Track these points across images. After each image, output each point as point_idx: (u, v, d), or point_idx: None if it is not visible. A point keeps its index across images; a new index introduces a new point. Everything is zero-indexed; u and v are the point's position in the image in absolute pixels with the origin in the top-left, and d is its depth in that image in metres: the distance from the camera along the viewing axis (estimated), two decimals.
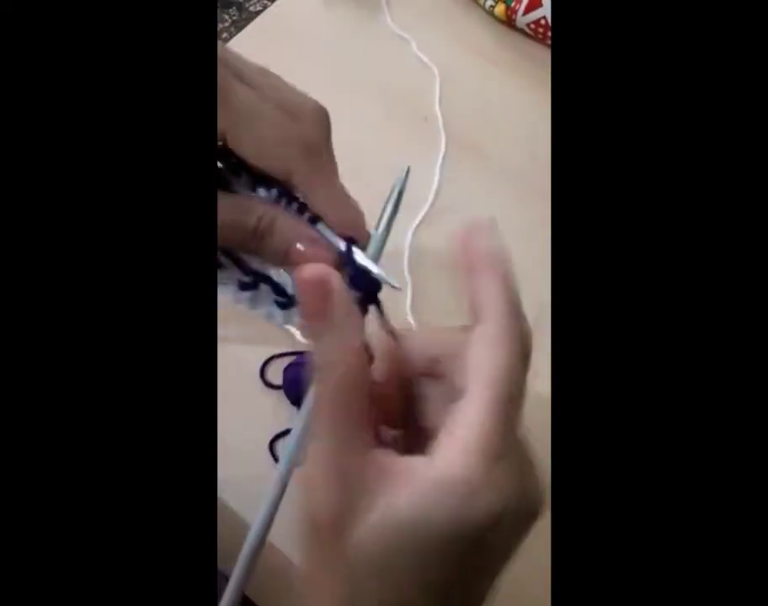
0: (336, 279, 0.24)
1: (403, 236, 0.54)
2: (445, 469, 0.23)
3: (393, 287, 0.27)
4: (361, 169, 0.37)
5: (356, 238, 0.28)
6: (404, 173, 0.28)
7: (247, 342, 0.49)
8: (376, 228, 0.28)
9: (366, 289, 0.27)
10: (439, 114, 0.62)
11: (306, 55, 0.64)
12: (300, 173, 0.27)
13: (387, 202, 0.28)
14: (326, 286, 0.24)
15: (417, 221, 0.55)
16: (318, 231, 0.28)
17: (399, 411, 0.27)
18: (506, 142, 0.60)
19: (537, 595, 0.36)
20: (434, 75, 0.64)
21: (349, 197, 0.28)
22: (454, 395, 0.25)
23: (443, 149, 0.60)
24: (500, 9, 0.69)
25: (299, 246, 0.27)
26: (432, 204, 0.57)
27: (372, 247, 0.28)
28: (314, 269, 0.24)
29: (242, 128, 0.27)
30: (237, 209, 0.27)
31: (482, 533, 0.22)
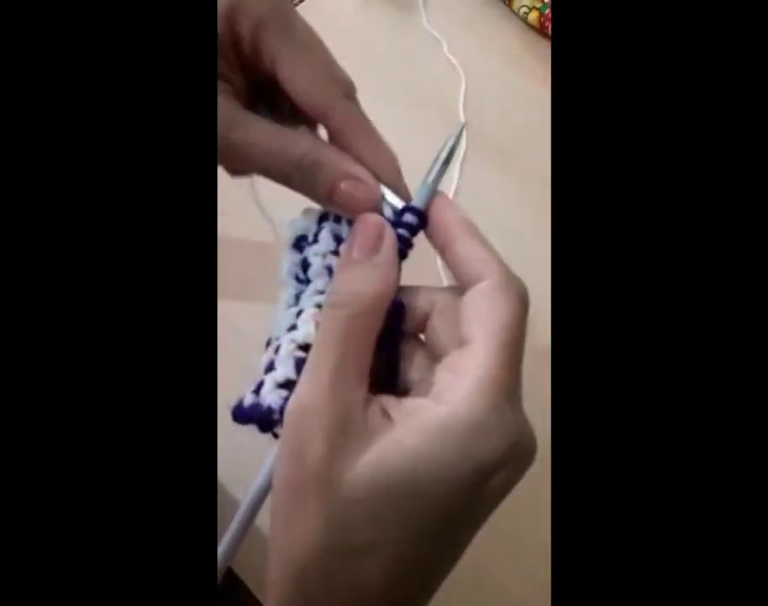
0: (391, 232, 0.26)
1: (434, 257, 0.55)
2: (452, 409, 0.23)
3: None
4: None
5: (394, 182, 0.28)
6: (459, 128, 0.29)
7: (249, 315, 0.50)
8: (425, 179, 0.28)
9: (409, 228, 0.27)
10: (462, 115, 0.63)
11: (338, 46, 0.65)
12: (341, 112, 0.27)
13: (440, 152, 0.28)
14: (383, 230, 0.26)
15: None
16: (360, 167, 0.27)
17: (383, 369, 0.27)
18: (528, 147, 0.61)
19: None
20: (460, 77, 0.65)
21: (385, 142, 0.28)
22: (438, 353, 0.25)
23: (463, 149, 0.60)
24: (533, 16, 0.69)
25: (343, 185, 0.27)
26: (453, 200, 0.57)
27: (422, 193, 0.27)
28: (376, 217, 0.26)
29: (298, 55, 0.27)
30: (285, 139, 0.27)
31: (486, 473, 0.23)
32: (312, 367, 0.24)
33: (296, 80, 0.27)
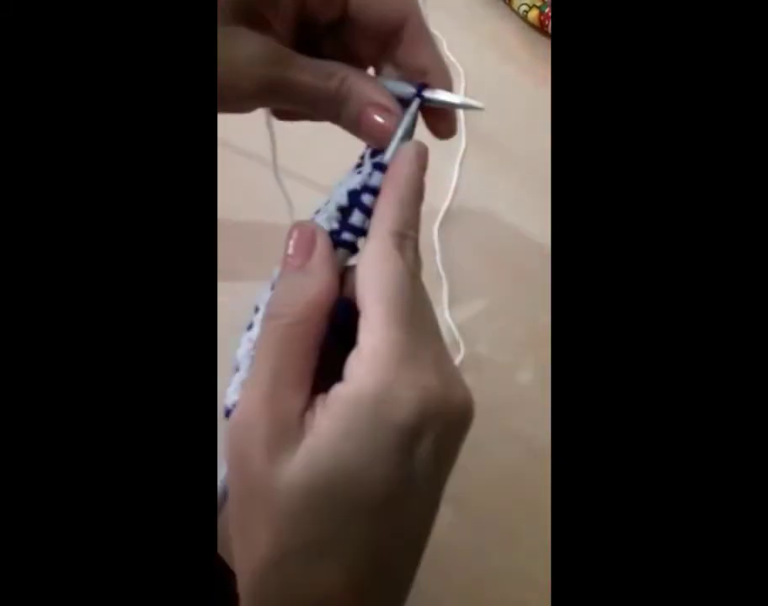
0: (323, 236, 0.26)
1: (430, 235, 0.55)
2: (356, 385, 0.23)
3: (478, 108, 0.29)
4: None
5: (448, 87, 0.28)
6: (415, 106, 0.29)
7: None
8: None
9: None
10: (461, 114, 0.62)
11: None
12: (415, 19, 0.28)
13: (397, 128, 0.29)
14: (314, 237, 0.26)
15: (439, 218, 0.56)
16: (389, 91, 0.28)
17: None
18: (528, 145, 0.60)
19: None
20: (460, 75, 0.65)
21: (443, 58, 0.29)
22: None
23: (463, 146, 0.60)
24: (533, 15, 0.69)
25: (369, 112, 0.27)
26: (451, 201, 0.57)
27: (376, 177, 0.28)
28: (307, 223, 0.26)
29: None
30: (321, 72, 0.28)
31: (407, 438, 0.22)
32: (249, 380, 0.24)
33: (371, 2, 0.27)
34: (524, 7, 0.70)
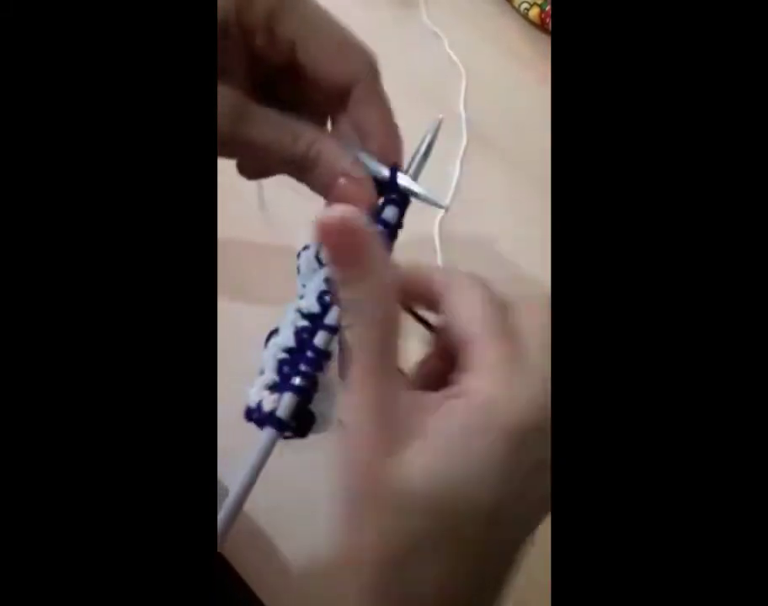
0: (364, 223, 0.23)
1: (431, 233, 0.55)
2: (472, 393, 0.23)
3: (441, 207, 0.29)
4: None
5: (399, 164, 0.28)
6: (437, 123, 0.30)
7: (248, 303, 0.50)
8: (407, 169, 0.29)
9: (400, 208, 0.28)
10: (462, 112, 0.62)
11: None
12: (363, 83, 0.27)
13: (419, 146, 0.29)
14: (356, 231, 0.23)
15: (440, 215, 0.56)
16: (361, 162, 0.28)
17: None
18: (529, 142, 0.60)
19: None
20: (461, 73, 0.65)
21: (396, 126, 0.29)
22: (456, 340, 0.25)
23: (464, 144, 0.60)
24: (534, 13, 0.69)
25: (341, 181, 0.27)
26: (452, 198, 0.58)
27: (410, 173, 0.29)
28: (338, 213, 0.23)
29: (318, 34, 0.27)
30: (287, 133, 0.27)
31: (517, 438, 0.23)
32: (352, 377, 0.24)
33: (319, 58, 0.27)
34: (525, 5, 0.70)
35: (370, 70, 0.27)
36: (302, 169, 0.28)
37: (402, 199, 0.28)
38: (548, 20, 0.68)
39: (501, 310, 0.25)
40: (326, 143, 0.27)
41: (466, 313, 0.25)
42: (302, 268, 0.29)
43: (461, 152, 0.60)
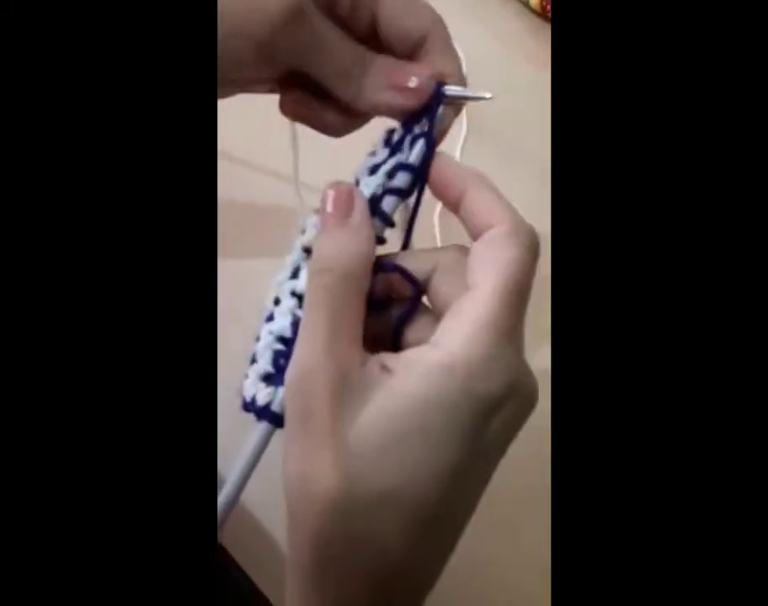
0: (360, 195, 0.26)
1: (431, 223, 0.55)
2: (450, 351, 0.23)
3: (486, 98, 0.31)
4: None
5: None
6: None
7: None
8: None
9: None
10: None
11: None
12: (434, 35, 0.29)
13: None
14: (352, 195, 0.26)
15: (440, 206, 0.56)
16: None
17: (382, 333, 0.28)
18: (529, 130, 0.60)
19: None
20: (460, 60, 0.64)
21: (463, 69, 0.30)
22: (442, 310, 0.25)
23: (464, 133, 0.60)
24: (535, 0, 0.69)
25: (394, 84, 0.28)
26: None
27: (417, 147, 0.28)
28: (344, 183, 0.27)
29: None
30: (343, 37, 0.28)
31: (488, 411, 0.23)
32: (306, 333, 0.24)
33: (397, 13, 0.28)
34: None
35: (439, 22, 0.29)
36: (353, 78, 0.28)
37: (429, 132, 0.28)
38: (549, 8, 0.68)
39: (525, 276, 0.25)
40: (381, 56, 0.28)
41: (488, 258, 0.25)
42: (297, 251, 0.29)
43: (460, 141, 0.60)
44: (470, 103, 0.64)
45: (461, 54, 0.66)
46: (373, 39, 0.29)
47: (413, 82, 0.28)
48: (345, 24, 0.29)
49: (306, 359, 0.24)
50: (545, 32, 0.68)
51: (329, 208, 0.26)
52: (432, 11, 0.30)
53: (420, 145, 0.27)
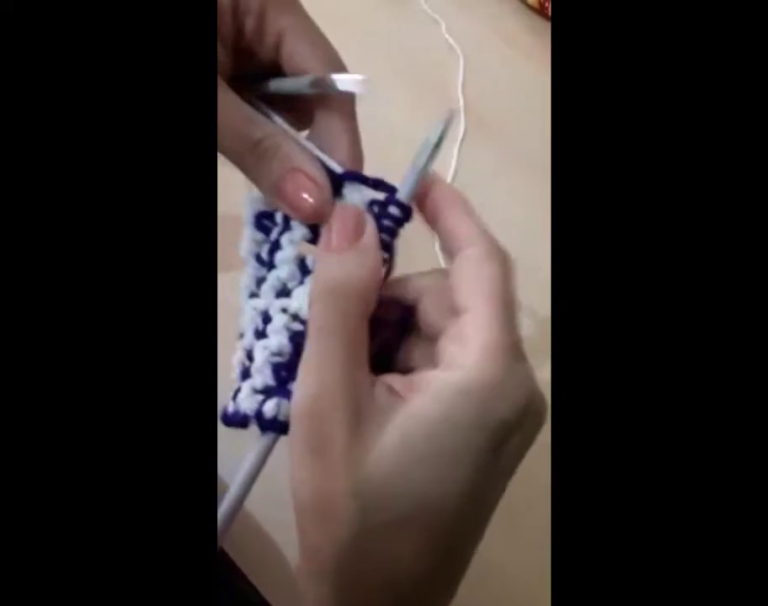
0: (371, 219, 0.26)
1: (433, 252, 0.55)
2: (464, 374, 0.23)
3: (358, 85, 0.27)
4: (377, 143, 0.37)
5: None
6: (448, 116, 0.29)
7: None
8: (413, 167, 0.28)
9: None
10: (461, 97, 0.62)
11: (336, 27, 0.65)
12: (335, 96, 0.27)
13: (428, 138, 0.28)
14: (363, 217, 0.26)
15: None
16: (322, 163, 0.27)
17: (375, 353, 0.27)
18: (528, 129, 0.60)
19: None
20: (459, 58, 0.64)
21: (358, 136, 0.28)
22: (434, 331, 0.25)
23: (462, 130, 0.60)
24: None
25: (292, 181, 0.26)
26: (450, 184, 0.57)
27: (408, 184, 0.27)
28: (355, 206, 0.26)
29: (302, 30, 0.27)
30: (248, 120, 0.26)
31: (505, 433, 0.23)
32: (321, 357, 0.24)
33: (299, 52, 0.27)
34: None
35: (336, 62, 0.27)
36: (253, 161, 0.27)
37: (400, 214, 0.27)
38: (548, 5, 0.68)
39: (509, 291, 0.25)
40: (283, 139, 0.27)
41: (474, 280, 0.25)
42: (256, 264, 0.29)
43: (459, 138, 0.60)
44: (470, 103, 0.64)
45: (458, 52, 0.66)
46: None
47: (305, 199, 0.26)
48: (251, 52, 0.28)
49: (322, 384, 0.23)
50: (543, 29, 0.68)
51: (337, 227, 0.25)
52: (331, 53, 0.28)
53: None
